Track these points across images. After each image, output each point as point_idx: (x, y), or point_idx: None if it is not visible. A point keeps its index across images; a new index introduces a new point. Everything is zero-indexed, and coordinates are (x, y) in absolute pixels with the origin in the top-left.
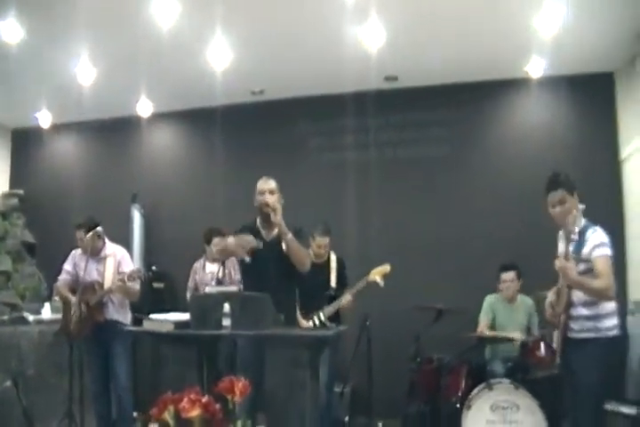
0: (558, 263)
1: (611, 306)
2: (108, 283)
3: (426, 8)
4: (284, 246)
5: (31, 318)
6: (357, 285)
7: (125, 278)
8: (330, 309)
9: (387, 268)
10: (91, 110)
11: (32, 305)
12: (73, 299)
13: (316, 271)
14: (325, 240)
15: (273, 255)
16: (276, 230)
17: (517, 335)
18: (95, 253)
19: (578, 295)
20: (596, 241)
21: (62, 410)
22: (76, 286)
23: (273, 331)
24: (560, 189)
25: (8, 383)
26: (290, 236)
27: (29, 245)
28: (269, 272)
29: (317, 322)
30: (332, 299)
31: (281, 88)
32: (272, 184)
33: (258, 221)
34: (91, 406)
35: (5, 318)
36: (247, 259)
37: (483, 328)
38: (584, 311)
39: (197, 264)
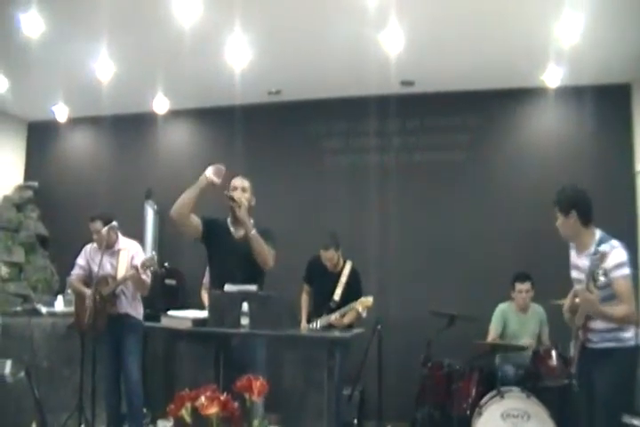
0: (581, 296)
1: None
2: (121, 276)
3: (445, 14)
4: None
5: (44, 310)
6: (343, 309)
7: (139, 267)
8: (323, 320)
9: (369, 300)
10: (107, 105)
11: (44, 297)
12: (87, 292)
13: (328, 280)
14: (329, 253)
15: (240, 253)
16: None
17: (529, 342)
18: (109, 247)
19: None
20: (617, 260)
21: (73, 403)
22: (90, 280)
23: (290, 331)
24: (555, 205)
25: (22, 374)
26: (253, 232)
27: (42, 238)
28: (236, 269)
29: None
30: (332, 310)
31: (297, 89)
32: (246, 183)
33: (229, 218)
34: (101, 400)
35: (19, 309)
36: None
37: (493, 338)
38: (604, 324)
39: None
